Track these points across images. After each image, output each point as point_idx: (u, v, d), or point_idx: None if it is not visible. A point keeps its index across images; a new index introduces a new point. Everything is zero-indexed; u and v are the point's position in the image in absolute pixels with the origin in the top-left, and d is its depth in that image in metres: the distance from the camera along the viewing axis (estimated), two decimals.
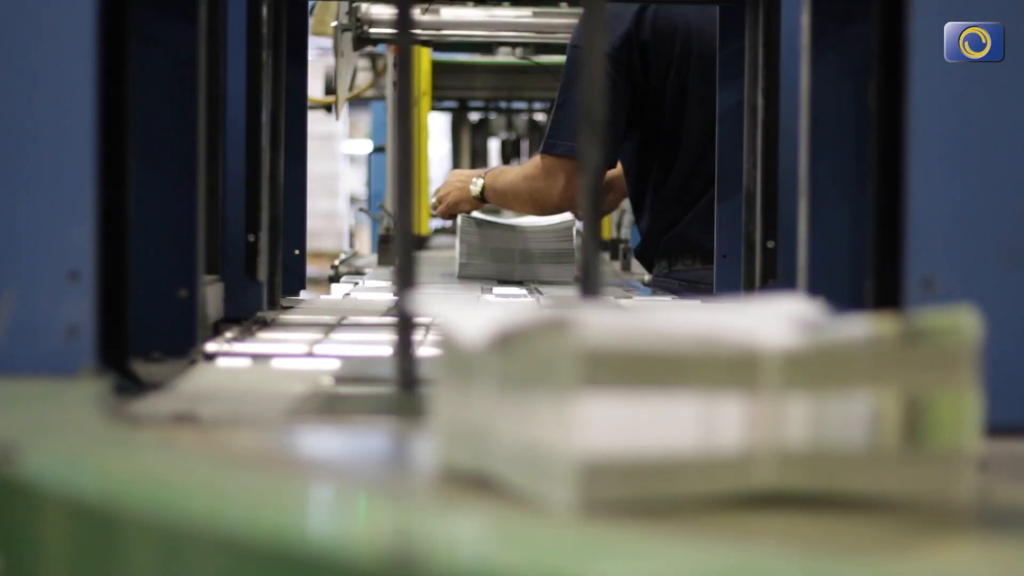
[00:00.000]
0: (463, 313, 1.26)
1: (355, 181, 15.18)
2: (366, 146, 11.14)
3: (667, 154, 3.60)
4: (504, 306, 1.26)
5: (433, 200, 4.04)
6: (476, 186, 3.86)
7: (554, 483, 1.11)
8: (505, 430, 1.18)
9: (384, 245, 4.84)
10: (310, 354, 2.13)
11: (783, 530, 1.10)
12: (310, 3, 4.32)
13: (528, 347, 1.15)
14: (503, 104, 7.29)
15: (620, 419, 1.11)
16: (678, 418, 1.12)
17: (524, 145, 7.48)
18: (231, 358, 2.11)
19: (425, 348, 2.15)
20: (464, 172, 4.07)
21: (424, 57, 5.60)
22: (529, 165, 3.79)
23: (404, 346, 1.65)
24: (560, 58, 5.45)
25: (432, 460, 1.30)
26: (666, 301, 3.20)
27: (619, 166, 3.78)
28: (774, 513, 1.13)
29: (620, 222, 5.58)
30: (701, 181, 3.51)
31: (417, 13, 4.37)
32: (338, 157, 15.18)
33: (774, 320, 1.17)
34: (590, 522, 1.08)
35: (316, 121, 5.01)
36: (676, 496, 1.12)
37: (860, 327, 1.16)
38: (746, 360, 1.14)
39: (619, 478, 1.10)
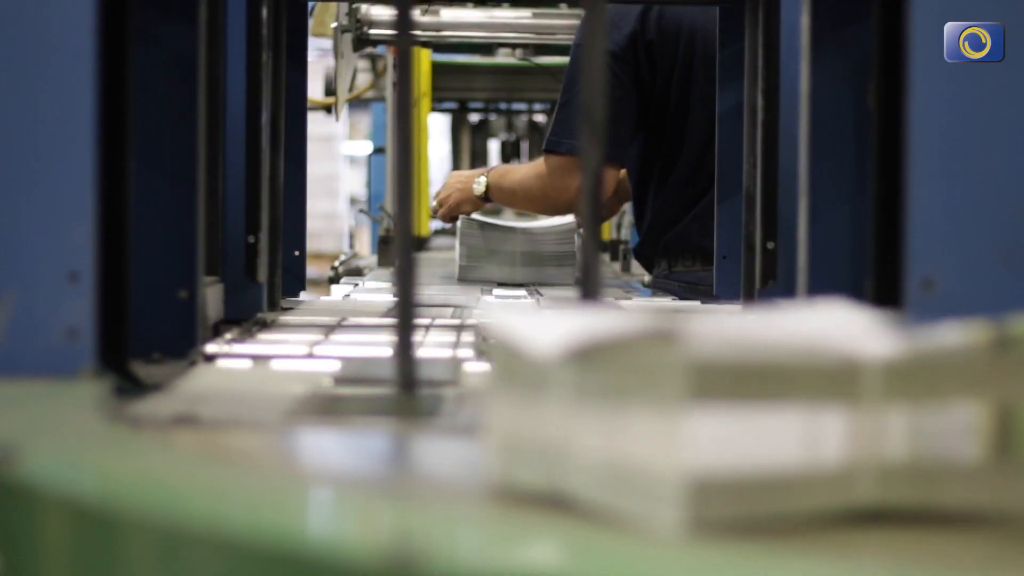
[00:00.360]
0: (531, 322, 1.17)
1: (355, 182, 15.19)
2: (366, 147, 11.15)
3: (670, 154, 3.59)
4: (585, 315, 1.20)
5: (433, 204, 4.01)
6: (480, 185, 3.81)
7: (656, 502, 1.04)
8: (588, 447, 1.10)
9: (384, 246, 4.84)
10: (310, 355, 2.12)
11: (888, 547, 1.07)
12: (310, 4, 4.32)
13: (624, 358, 1.08)
14: (503, 105, 7.30)
15: (727, 434, 1.04)
16: (783, 432, 1.07)
17: (524, 146, 7.49)
18: (231, 359, 2.11)
19: (425, 349, 2.16)
20: (463, 173, 4.04)
21: (424, 58, 5.61)
22: (537, 164, 3.75)
23: (404, 347, 1.65)
24: (560, 59, 5.47)
25: (486, 475, 1.21)
26: (667, 302, 3.19)
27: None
28: (876, 529, 1.10)
29: (620, 223, 5.58)
30: (703, 181, 3.50)
31: (417, 14, 4.37)
32: (338, 158, 15.20)
33: (857, 328, 1.14)
34: (696, 542, 1.02)
35: (316, 122, 5.02)
36: (780, 513, 1.07)
37: (953, 335, 1.12)
38: (848, 370, 1.09)
39: (726, 496, 1.04)
